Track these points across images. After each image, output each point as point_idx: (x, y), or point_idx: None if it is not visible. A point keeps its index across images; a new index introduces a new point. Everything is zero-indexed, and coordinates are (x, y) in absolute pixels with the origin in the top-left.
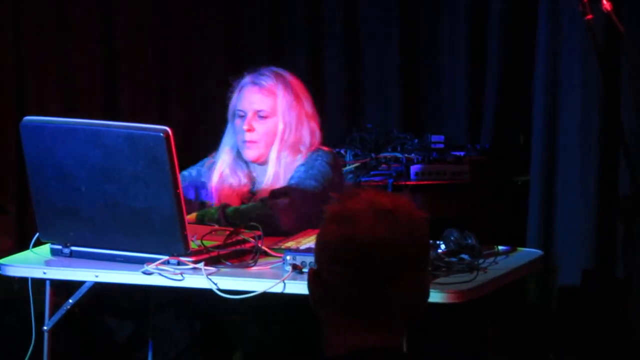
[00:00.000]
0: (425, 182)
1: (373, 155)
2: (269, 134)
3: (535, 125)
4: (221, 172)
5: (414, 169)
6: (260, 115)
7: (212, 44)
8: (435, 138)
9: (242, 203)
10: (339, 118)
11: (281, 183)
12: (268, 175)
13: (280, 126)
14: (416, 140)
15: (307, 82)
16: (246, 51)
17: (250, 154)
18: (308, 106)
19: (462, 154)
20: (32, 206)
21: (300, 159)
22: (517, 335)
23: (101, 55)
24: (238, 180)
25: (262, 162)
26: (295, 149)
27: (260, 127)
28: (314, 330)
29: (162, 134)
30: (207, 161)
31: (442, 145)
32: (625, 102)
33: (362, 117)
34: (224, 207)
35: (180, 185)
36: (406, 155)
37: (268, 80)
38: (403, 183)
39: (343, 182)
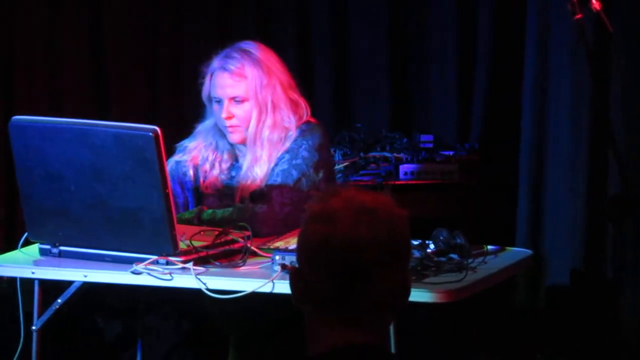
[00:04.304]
0: (414, 182)
1: (362, 154)
2: (248, 117)
3: (524, 125)
4: (200, 151)
5: (403, 168)
6: (237, 100)
7: (201, 44)
8: (424, 137)
9: (222, 183)
10: (328, 117)
11: (265, 165)
12: (248, 158)
13: (255, 110)
14: (405, 140)
15: (296, 82)
16: None
17: (234, 137)
18: (284, 78)
19: (451, 153)
20: (21, 206)
21: (291, 137)
22: (505, 335)
23: (89, 32)
24: (220, 159)
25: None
26: (279, 127)
27: (239, 111)
28: (301, 329)
29: (151, 134)
30: (184, 147)
31: (431, 145)
32: (614, 102)
33: (351, 117)
34: (199, 212)
35: (170, 185)
36: (395, 154)
37: (236, 63)
38: (392, 183)
39: (331, 159)
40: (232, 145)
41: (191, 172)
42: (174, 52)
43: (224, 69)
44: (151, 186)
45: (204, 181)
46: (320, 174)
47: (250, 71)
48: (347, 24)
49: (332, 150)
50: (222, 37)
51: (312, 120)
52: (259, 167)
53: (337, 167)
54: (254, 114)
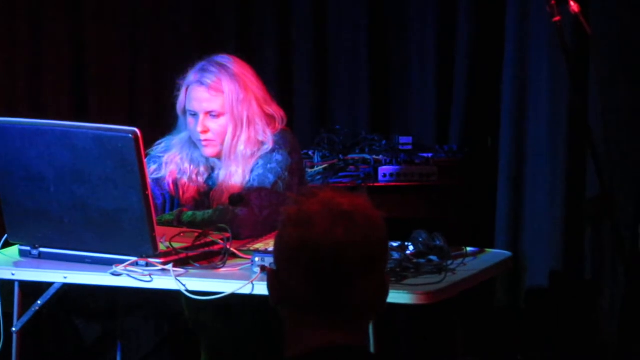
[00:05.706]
0: (393, 184)
1: (341, 156)
2: (224, 131)
3: (503, 127)
4: (177, 164)
5: (382, 170)
6: (213, 115)
7: (180, 48)
8: (403, 139)
9: (200, 194)
10: (307, 119)
11: (239, 179)
12: (223, 173)
13: (231, 125)
14: (384, 142)
15: (275, 83)
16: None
17: (208, 151)
18: (259, 92)
19: (430, 155)
20: (1, 207)
21: (266, 150)
22: (486, 336)
23: (69, 41)
24: (196, 172)
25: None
26: (252, 141)
27: (214, 125)
28: (281, 330)
29: (130, 135)
30: (159, 158)
31: (410, 147)
32: (592, 104)
33: (330, 119)
34: (180, 214)
35: (149, 186)
36: (374, 156)
37: (213, 78)
38: (371, 184)
39: (302, 163)
40: (207, 157)
41: (171, 186)
42: (155, 47)
43: (200, 83)
44: (131, 187)
45: (183, 194)
46: (294, 177)
47: (228, 86)
48: (326, 25)
49: (310, 153)
50: (201, 38)
51: (284, 127)
52: (233, 182)
53: (316, 169)
54: (230, 129)
